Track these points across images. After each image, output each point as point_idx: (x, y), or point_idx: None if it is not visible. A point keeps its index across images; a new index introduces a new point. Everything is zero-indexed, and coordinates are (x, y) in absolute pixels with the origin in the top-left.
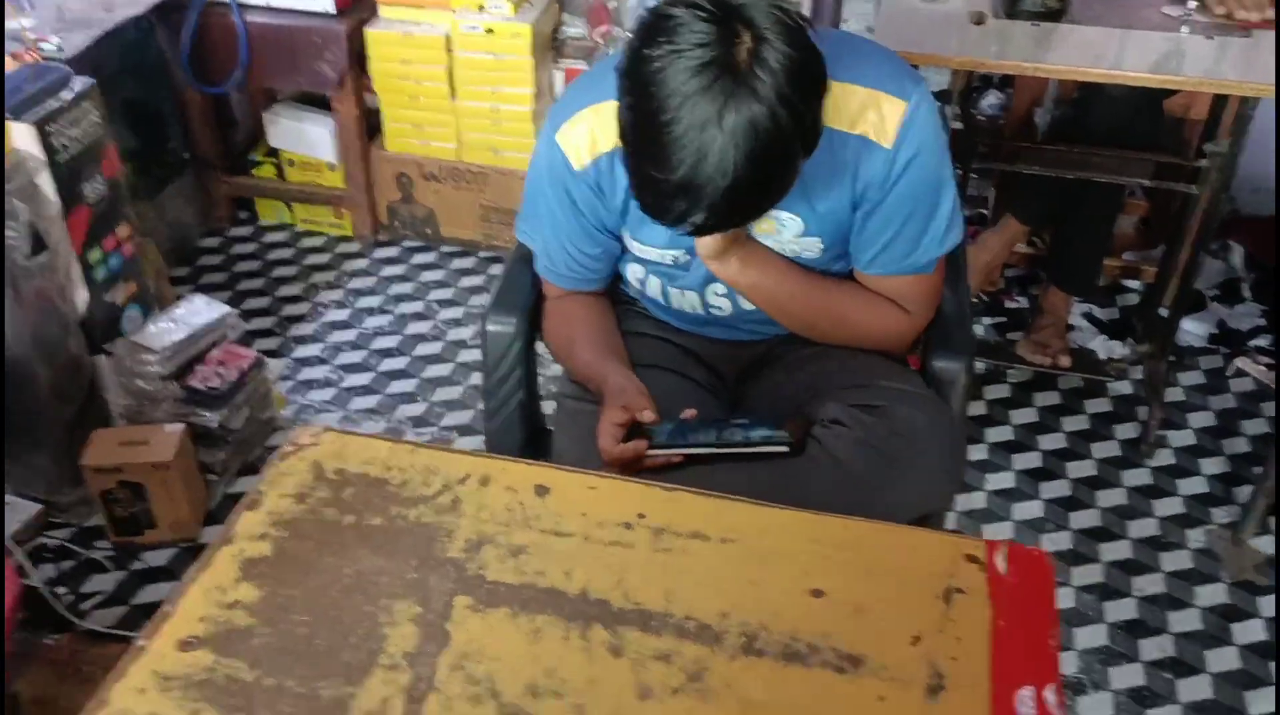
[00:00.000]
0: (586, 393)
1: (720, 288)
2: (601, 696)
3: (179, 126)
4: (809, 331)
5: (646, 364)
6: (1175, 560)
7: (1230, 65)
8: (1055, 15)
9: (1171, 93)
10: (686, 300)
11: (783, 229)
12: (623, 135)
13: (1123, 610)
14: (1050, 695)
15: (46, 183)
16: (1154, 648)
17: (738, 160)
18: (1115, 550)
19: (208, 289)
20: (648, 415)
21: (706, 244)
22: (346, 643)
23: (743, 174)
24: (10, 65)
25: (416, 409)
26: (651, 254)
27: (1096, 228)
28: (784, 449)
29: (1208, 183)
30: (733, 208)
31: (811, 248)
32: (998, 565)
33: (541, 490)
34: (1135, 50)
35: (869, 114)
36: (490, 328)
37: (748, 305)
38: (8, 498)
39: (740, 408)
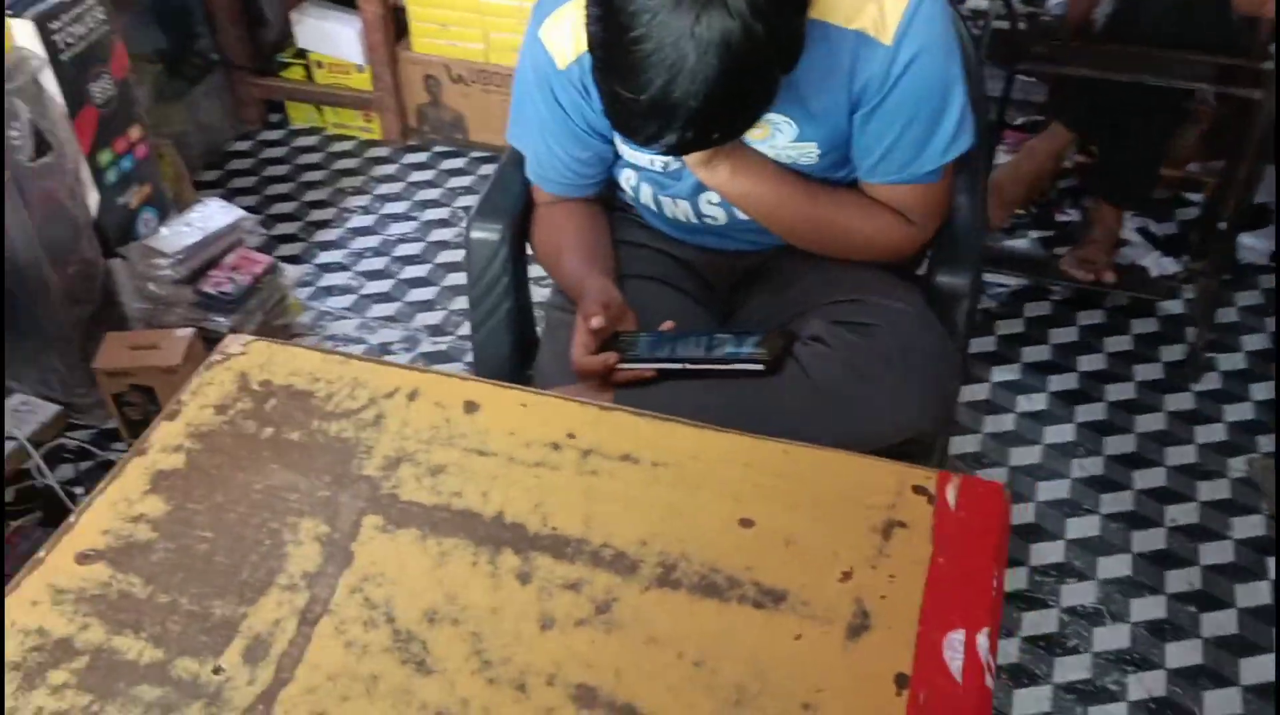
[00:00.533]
0: (572, 303)
1: (714, 197)
2: (501, 625)
3: (207, 26)
4: (806, 243)
5: (636, 274)
6: (1213, 489)
7: None
8: None
9: None
10: (679, 209)
11: (777, 134)
12: (591, 50)
13: (1151, 540)
14: (983, 640)
15: (50, 82)
16: (1180, 580)
17: (710, 78)
18: (1149, 477)
19: (236, 193)
20: (625, 325)
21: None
22: (247, 561)
23: (716, 93)
24: None
25: (434, 317)
26: (641, 159)
27: (1149, 136)
28: (759, 367)
29: (1272, 86)
30: (707, 128)
31: (808, 153)
32: (948, 498)
33: (471, 406)
34: None
35: (868, 7)
36: (474, 234)
37: (743, 215)
38: (28, 399)
39: (731, 321)
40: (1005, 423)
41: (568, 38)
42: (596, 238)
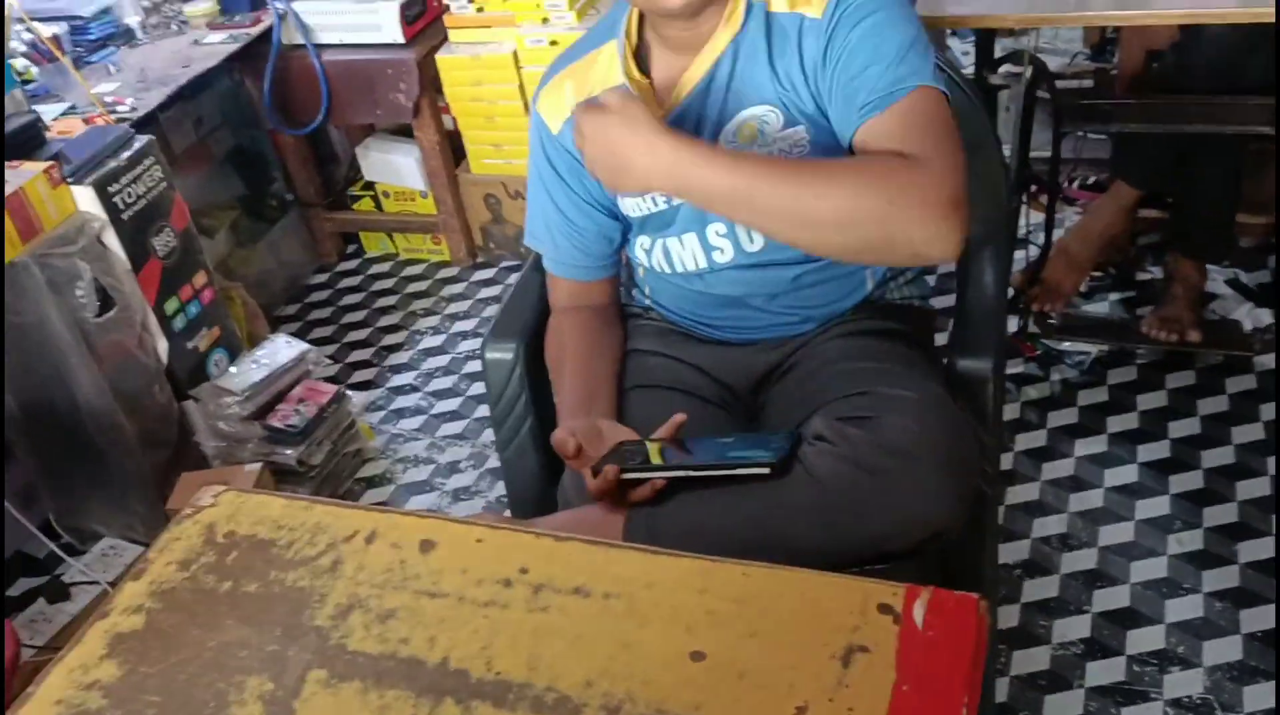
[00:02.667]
0: None
1: (720, 227)
2: None
3: (280, 170)
4: (802, 222)
5: (650, 384)
6: None
7: None
8: None
9: None
10: (689, 252)
11: (765, 126)
12: None
13: (1262, 618)
14: None
15: (112, 241)
16: None
17: None
18: (1254, 549)
19: (314, 325)
20: (627, 436)
21: (598, 160)
22: None
23: None
24: (81, 128)
25: None
26: (643, 207)
27: (1217, 186)
28: (765, 470)
29: None
30: None
31: (800, 140)
32: (915, 617)
33: (427, 546)
34: None
35: None
36: (489, 355)
37: (750, 246)
38: (115, 542)
39: (756, 424)
40: (1093, 499)
41: (560, 101)
42: (596, 354)
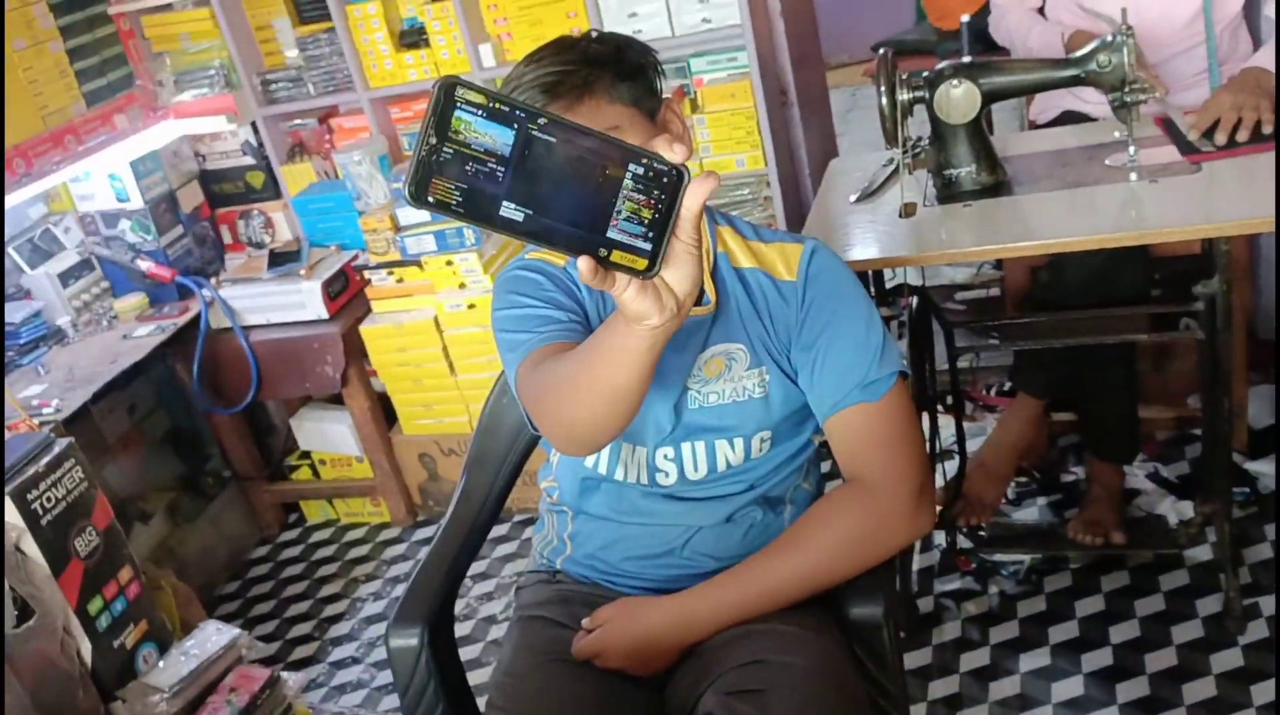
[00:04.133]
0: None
1: (669, 451)
2: None
3: (217, 446)
4: (798, 597)
5: (555, 656)
6: None
7: (1193, 205)
8: (995, 190)
9: None
10: (636, 462)
11: (732, 363)
12: None
13: None
14: None
15: (31, 547)
16: None
17: None
18: None
19: (255, 600)
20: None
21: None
22: None
23: None
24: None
25: None
26: None
27: (1115, 389)
28: None
29: (1209, 324)
30: None
31: (760, 382)
32: None
33: None
34: (1087, 211)
35: (773, 256)
36: (393, 643)
37: (694, 475)
38: None
39: (666, 692)
40: None
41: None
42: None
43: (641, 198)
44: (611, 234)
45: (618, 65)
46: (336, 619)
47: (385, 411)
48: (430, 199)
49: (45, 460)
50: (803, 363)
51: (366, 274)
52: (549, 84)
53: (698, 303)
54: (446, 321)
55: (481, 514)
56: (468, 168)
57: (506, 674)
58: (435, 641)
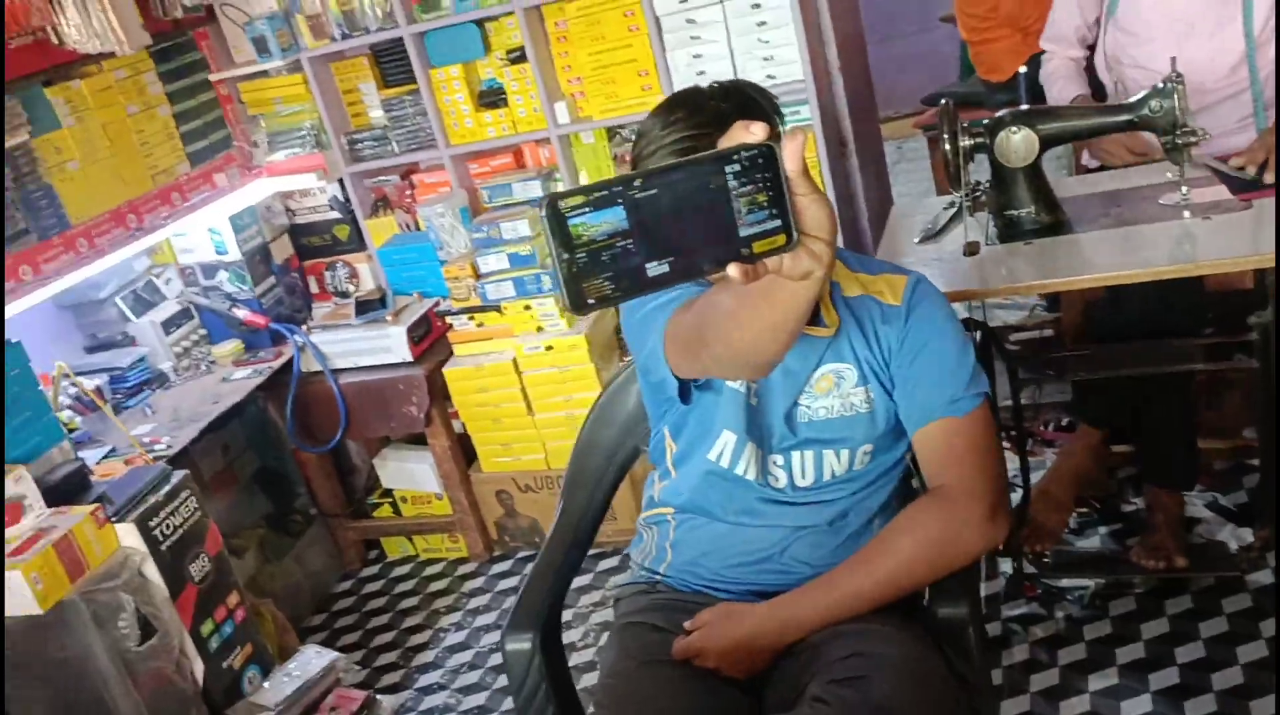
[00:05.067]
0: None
1: (780, 458)
2: None
3: (304, 485)
4: (880, 603)
5: (658, 659)
6: None
7: (1244, 239)
8: (1054, 229)
9: None
10: (756, 461)
11: (841, 381)
12: None
13: None
14: None
15: (152, 571)
16: None
17: None
18: None
19: (342, 631)
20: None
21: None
22: None
23: None
24: (122, 470)
25: None
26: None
27: (1169, 418)
28: None
29: (1264, 353)
30: None
31: (866, 399)
32: None
33: None
34: (1142, 246)
35: (880, 285)
36: (508, 646)
37: (801, 482)
38: None
39: (766, 689)
40: None
41: None
42: None
43: (750, 188)
44: (744, 232)
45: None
46: (420, 648)
47: (464, 451)
48: (590, 302)
49: (164, 491)
50: (900, 379)
51: (449, 319)
52: (683, 150)
53: (815, 323)
54: (525, 363)
55: (581, 529)
56: (603, 258)
57: (610, 675)
58: (546, 646)
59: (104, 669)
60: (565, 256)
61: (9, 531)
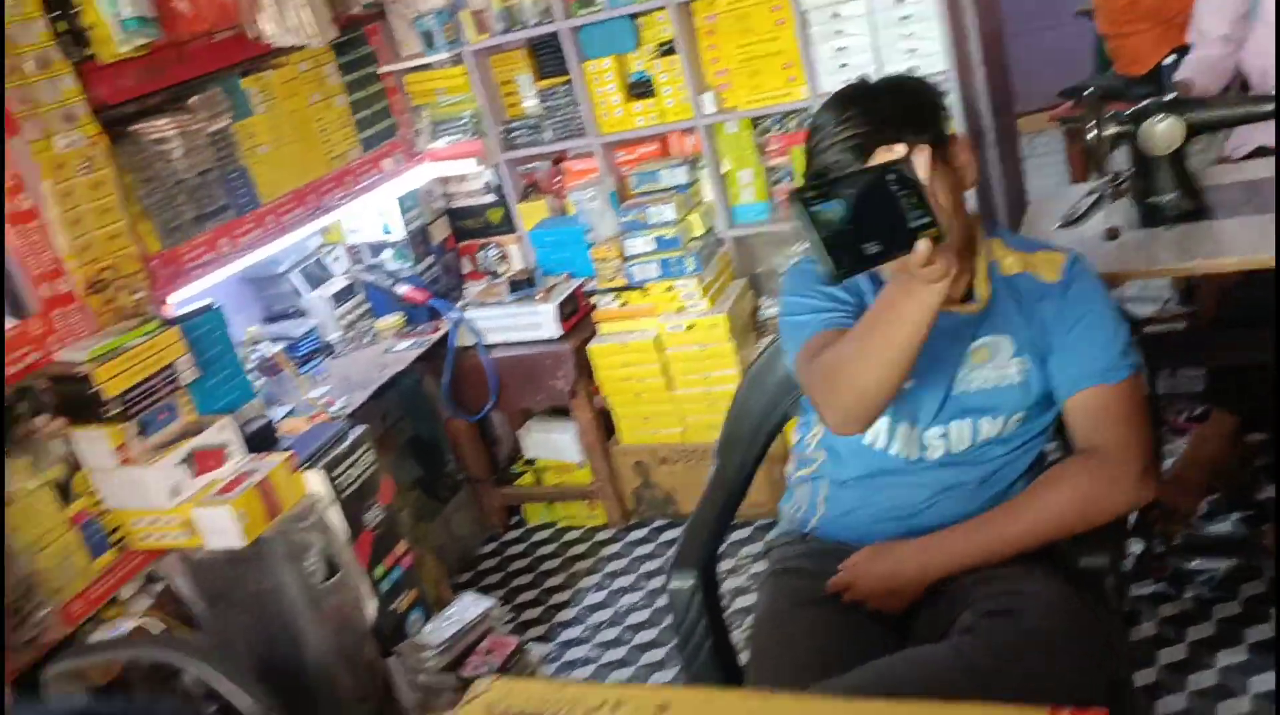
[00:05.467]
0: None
1: (939, 429)
2: None
3: (452, 453)
4: (1025, 540)
5: (810, 601)
6: None
7: None
8: (1194, 215)
9: None
10: (911, 439)
11: (997, 353)
12: None
13: None
14: None
15: (336, 516)
16: None
17: None
18: None
19: (486, 590)
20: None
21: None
22: None
23: None
24: (305, 425)
25: (665, 674)
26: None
27: None
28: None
29: None
30: None
31: (1021, 369)
32: None
33: (662, 709)
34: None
35: (1039, 262)
36: (672, 584)
37: (959, 447)
38: None
39: (908, 631)
40: (1242, 706)
41: None
42: None
43: (905, 192)
44: (911, 225)
45: (916, 123)
46: (561, 606)
47: (604, 423)
48: (840, 271)
49: (345, 444)
50: (1056, 347)
51: (593, 298)
52: (856, 147)
53: (968, 300)
54: (667, 341)
55: (734, 485)
56: (841, 236)
57: (764, 616)
58: (706, 585)
59: (295, 601)
60: (814, 235)
61: (213, 474)
